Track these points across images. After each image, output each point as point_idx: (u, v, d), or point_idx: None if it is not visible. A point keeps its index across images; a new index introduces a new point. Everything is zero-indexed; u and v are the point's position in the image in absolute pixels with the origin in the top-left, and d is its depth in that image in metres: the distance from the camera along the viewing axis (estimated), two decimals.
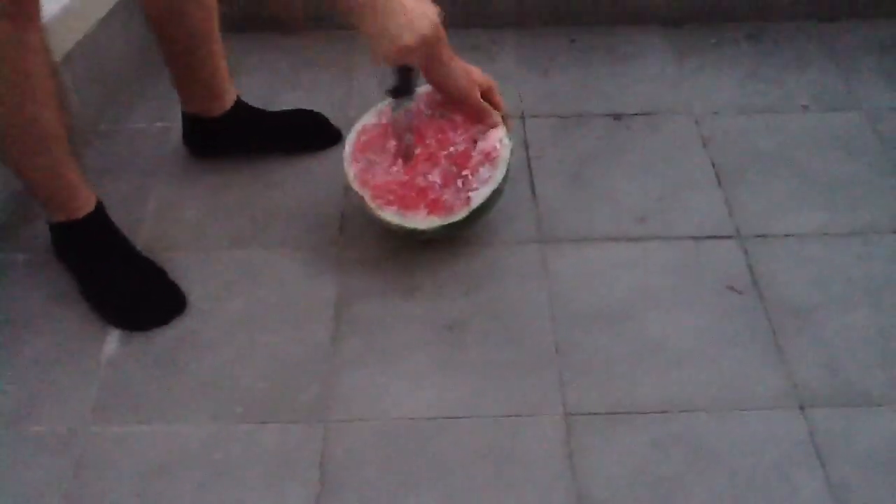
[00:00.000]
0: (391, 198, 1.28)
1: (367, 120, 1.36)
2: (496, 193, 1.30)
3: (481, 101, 1.28)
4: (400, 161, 1.31)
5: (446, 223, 1.27)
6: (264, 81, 1.71)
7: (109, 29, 1.59)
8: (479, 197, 1.28)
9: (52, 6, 1.46)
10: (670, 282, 1.32)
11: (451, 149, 1.31)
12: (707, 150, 1.54)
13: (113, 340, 1.26)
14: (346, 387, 1.19)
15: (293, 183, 1.50)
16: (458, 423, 1.14)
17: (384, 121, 1.35)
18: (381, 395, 1.18)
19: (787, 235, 1.38)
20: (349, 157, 1.33)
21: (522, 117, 1.61)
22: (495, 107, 1.30)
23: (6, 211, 1.43)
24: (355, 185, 1.31)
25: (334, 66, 1.73)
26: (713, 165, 1.50)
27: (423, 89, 1.32)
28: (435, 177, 1.29)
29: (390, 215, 1.28)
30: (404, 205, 1.28)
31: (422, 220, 1.27)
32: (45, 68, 1.13)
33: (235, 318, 1.28)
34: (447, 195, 1.28)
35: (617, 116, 1.61)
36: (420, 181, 1.29)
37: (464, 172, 1.29)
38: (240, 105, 1.50)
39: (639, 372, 1.19)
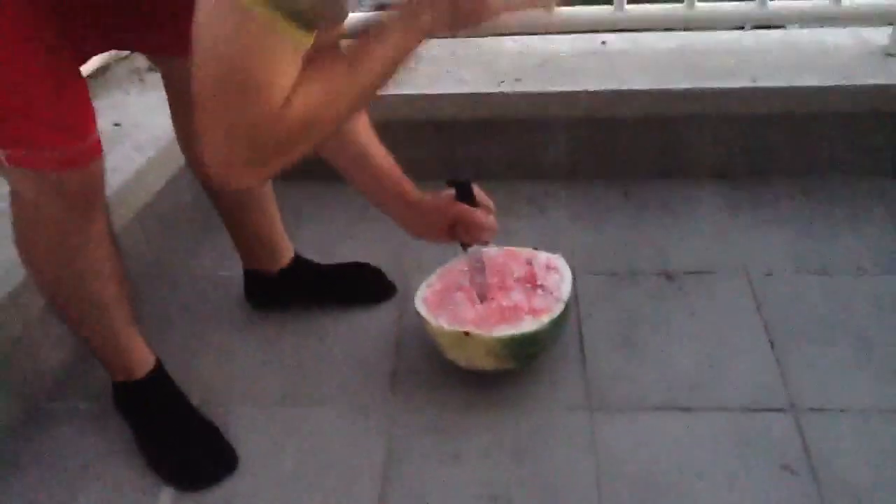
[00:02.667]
0: (494, 321, 1.35)
1: (420, 294, 1.43)
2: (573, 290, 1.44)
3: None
4: (478, 300, 1.39)
5: (554, 318, 1.36)
6: (320, 232, 1.76)
7: (178, 186, 1.68)
8: (565, 293, 1.40)
9: (127, 166, 1.55)
10: (722, 457, 1.29)
11: (515, 275, 1.43)
12: (760, 313, 1.52)
13: (166, 499, 1.28)
14: None
15: (346, 337, 1.54)
16: None
17: (438, 287, 1.44)
18: None
19: (842, 410, 1.35)
20: (430, 317, 1.38)
21: (574, 274, 1.62)
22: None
23: (71, 359, 1.48)
24: (453, 328, 1.35)
25: (389, 218, 1.77)
26: (766, 330, 1.49)
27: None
28: (517, 296, 1.39)
29: (504, 331, 1.33)
30: (509, 321, 1.35)
31: (533, 324, 1.34)
32: (107, 251, 1.19)
33: (285, 479, 1.30)
34: (537, 302, 1.38)
35: (669, 276, 1.61)
36: (507, 303, 1.38)
37: (538, 283, 1.41)
38: (297, 261, 1.55)
39: None
